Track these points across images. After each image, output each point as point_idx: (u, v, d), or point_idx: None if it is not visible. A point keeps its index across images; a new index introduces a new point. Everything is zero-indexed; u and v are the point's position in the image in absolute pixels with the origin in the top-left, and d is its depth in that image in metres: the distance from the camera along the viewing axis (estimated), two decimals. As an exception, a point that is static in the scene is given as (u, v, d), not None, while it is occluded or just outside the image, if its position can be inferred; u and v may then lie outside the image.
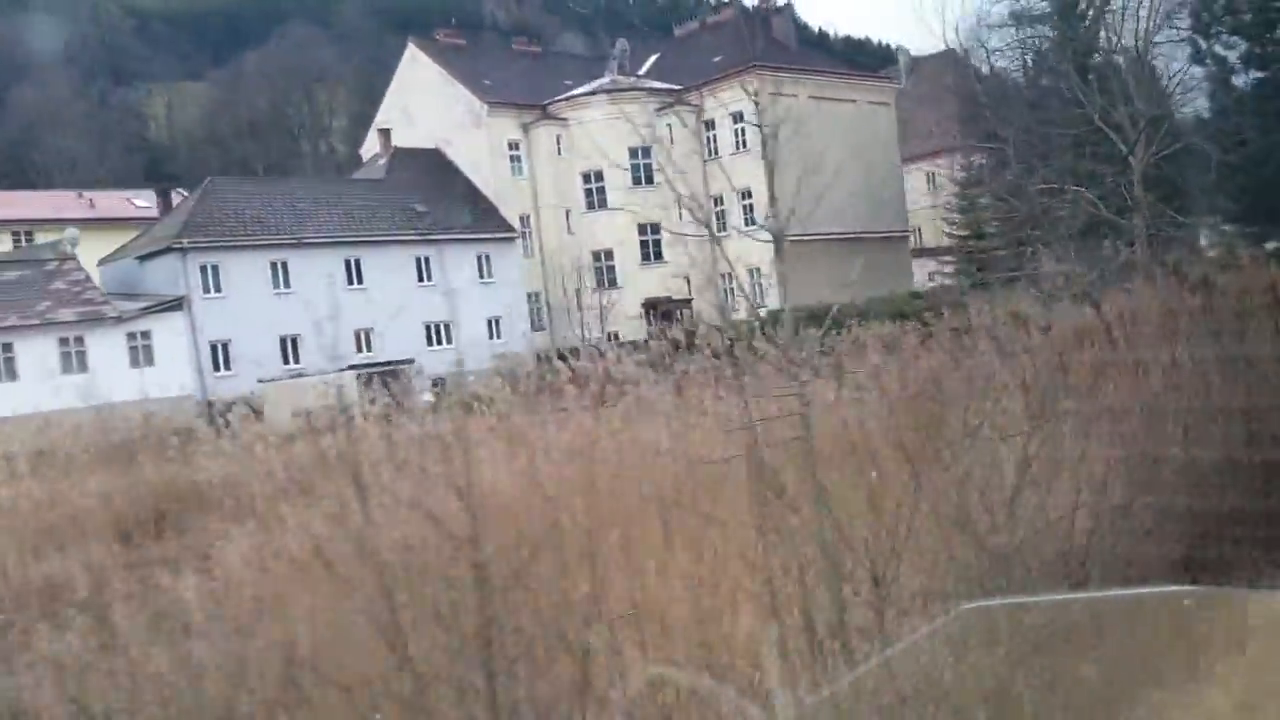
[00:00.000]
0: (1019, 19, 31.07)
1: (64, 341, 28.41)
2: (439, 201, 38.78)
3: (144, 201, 45.67)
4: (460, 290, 36.82)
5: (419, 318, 34.20)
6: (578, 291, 39.48)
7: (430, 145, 42.18)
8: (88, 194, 48.14)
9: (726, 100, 40.00)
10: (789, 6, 46.59)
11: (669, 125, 38.63)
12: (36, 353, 27.55)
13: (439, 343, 35.14)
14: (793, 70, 41.85)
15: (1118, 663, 3.04)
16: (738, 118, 38.25)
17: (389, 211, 36.99)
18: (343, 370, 21.16)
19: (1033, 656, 3.08)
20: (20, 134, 70.54)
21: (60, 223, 39.84)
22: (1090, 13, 30.08)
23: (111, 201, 47.38)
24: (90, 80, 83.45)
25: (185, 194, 39.19)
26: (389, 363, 26.39)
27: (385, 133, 42.99)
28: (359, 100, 74.11)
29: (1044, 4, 30.12)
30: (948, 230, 41.57)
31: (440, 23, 54.96)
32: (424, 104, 43.37)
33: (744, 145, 38.64)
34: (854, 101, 46.24)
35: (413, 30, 52.62)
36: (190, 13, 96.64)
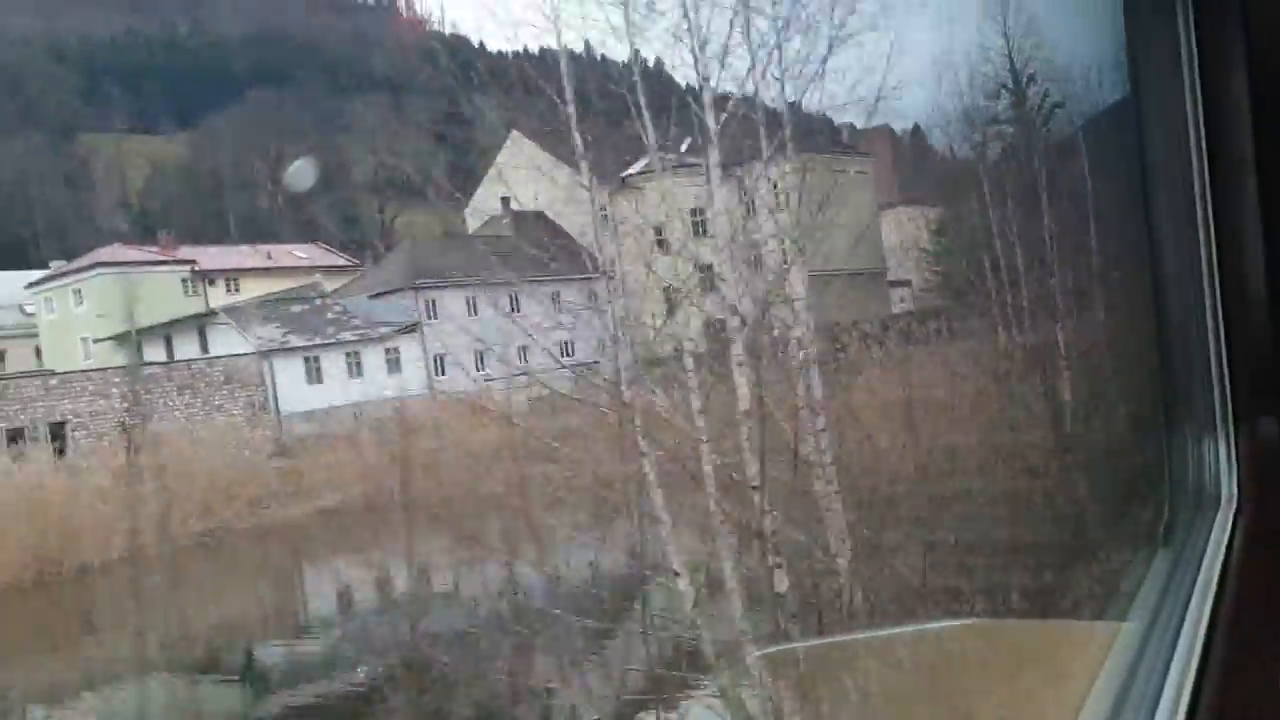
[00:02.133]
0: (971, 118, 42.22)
1: (348, 355, 39.66)
2: (555, 252, 50.24)
3: (303, 253, 56.46)
4: (577, 314, 47.96)
5: (555, 337, 45.50)
6: (652, 315, 51.04)
7: (533, 209, 53.61)
8: (262, 247, 58.33)
9: (761, 175, 51.70)
10: (797, 105, 58.37)
11: (719, 192, 50.42)
12: (332, 363, 38.80)
13: (567, 355, 46.44)
14: (817, 154, 53.92)
15: (894, 699, 2.94)
16: (774, 185, 50.19)
17: (528, 260, 48.39)
18: (562, 369, 32.98)
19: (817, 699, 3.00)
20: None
21: (255, 271, 50.50)
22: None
23: (279, 253, 58.00)
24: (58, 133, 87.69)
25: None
26: (579, 364, 38.18)
27: (505, 200, 54.41)
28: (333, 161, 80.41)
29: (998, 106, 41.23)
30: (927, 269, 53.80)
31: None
32: (529, 178, 54.53)
33: (780, 205, 50.32)
34: (846, 172, 58.47)
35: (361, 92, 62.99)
36: (145, 69, 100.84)
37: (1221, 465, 2.51)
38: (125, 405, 34.89)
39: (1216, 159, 2.41)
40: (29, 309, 52.72)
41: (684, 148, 57.68)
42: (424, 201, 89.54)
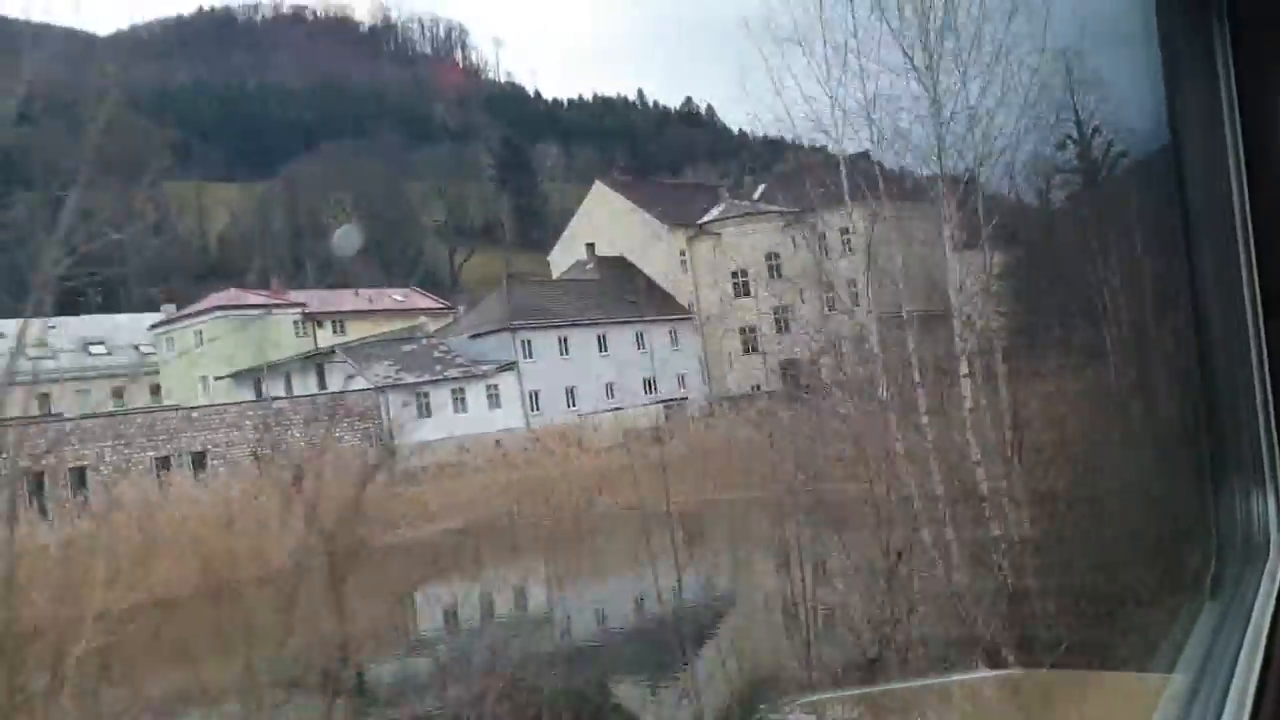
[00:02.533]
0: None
1: (454, 391, 40.37)
2: (638, 294, 50.62)
3: (400, 296, 57.67)
4: (659, 354, 48.33)
5: (638, 374, 45.72)
6: (730, 355, 50.91)
7: (615, 254, 53.82)
8: (364, 291, 59.62)
9: (832, 221, 51.33)
10: (866, 154, 57.79)
11: (791, 237, 50.28)
12: (439, 398, 39.54)
13: (650, 391, 46.60)
14: (883, 201, 53.38)
15: None
16: (844, 231, 49.89)
17: (613, 301, 48.86)
18: (648, 405, 32.98)
19: None
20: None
21: (358, 313, 51.72)
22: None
23: (378, 296, 60.04)
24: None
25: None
26: (670, 399, 38.27)
27: (591, 245, 54.90)
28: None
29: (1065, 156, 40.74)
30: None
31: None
32: (611, 224, 55.04)
33: (850, 250, 49.79)
34: (916, 219, 57.80)
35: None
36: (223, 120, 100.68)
37: (1270, 517, 2.33)
38: (257, 436, 35.81)
39: (1258, 206, 2.25)
40: (144, 349, 54.46)
41: (757, 195, 58.15)
42: (490, 245, 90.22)
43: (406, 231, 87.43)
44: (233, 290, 51.77)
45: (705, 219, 56.21)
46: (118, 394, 49.00)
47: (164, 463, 33.57)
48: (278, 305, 50.95)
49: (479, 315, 47.67)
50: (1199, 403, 2.75)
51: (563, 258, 59.06)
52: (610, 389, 44.96)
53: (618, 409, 38.19)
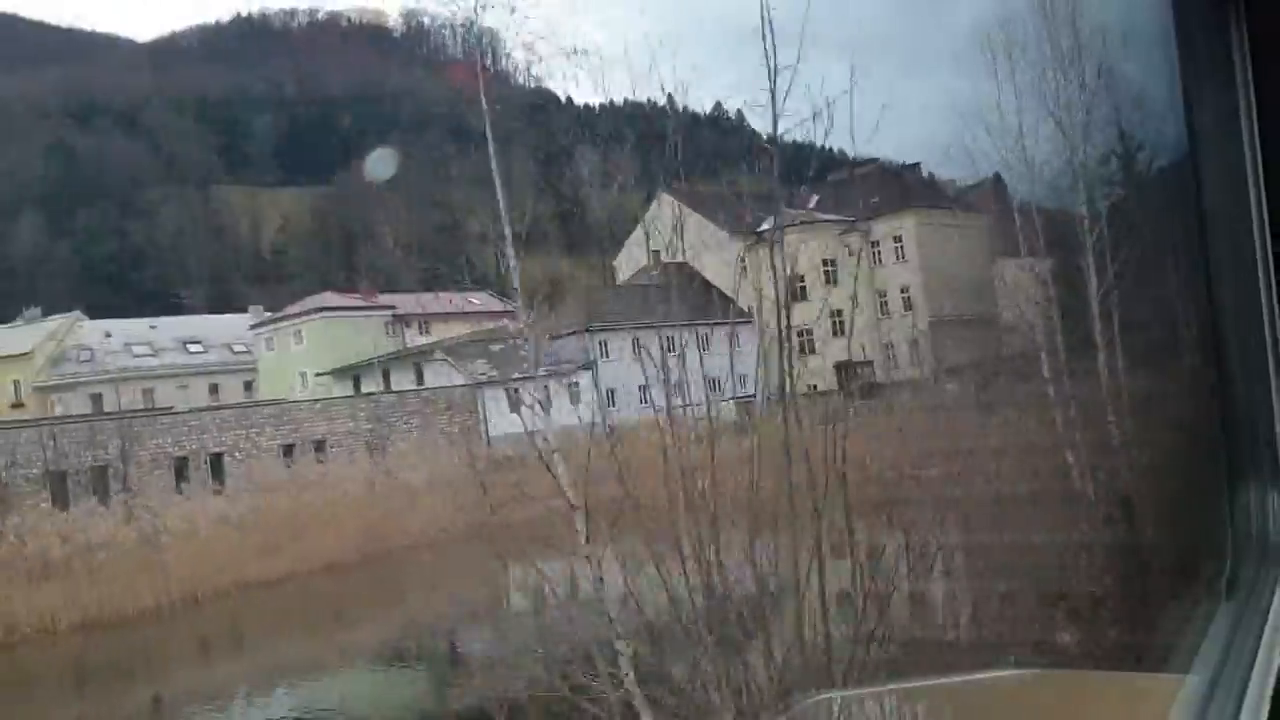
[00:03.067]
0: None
1: (540, 388, 40.44)
2: (700, 298, 50.25)
3: (477, 300, 57.94)
4: (721, 354, 47.79)
5: (703, 373, 45.24)
6: (787, 357, 50.31)
7: (679, 260, 53.38)
8: (443, 295, 59.78)
9: (886, 230, 50.48)
10: (917, 165, 56.49)
11: (846, 245, 49.41)
12: (528, 394, 39.71)
13: (715, 389, 46.08)
14: (933, 210, 52.23)
15: None
16: (896, 239, 48.97)
17: (678, 305, 48.52)
18: (725, 400, 32.67)
19: None
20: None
21: (440, 315, 51.95)
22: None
23: (457, 300, 59.08)
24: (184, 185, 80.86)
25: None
26: (747, 396, 38.13)
27: (655, 253, 54.44)
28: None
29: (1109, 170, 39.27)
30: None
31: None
32: (674, 232, 54.50)
33: (902, 257, 48.93)
34: (960, 226, 56.01)
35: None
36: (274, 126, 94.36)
37: None
38: (370, 426, 36.57)
39: (1276, 208, 2.06)
40: (236, 348, 55.25)
41: (811, 204, 57.02)
42: (533, 250, 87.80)
43: (454, 236, 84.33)
44: (329, 293, 52.83)
45: (763, 227, 55.42)
46: (213, 389, 49.92)
47: (288, 449, 34.56)
48: (370, 308, 51.84)
49: (559, 318, 47.94)
50: (1215, 403, 2.55)
51: (627, 263, 58.66)
52: (679, 387, 44.53)
53: (690, 404, 37.82)
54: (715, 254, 55.94)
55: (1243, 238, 2.14)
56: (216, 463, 33.33)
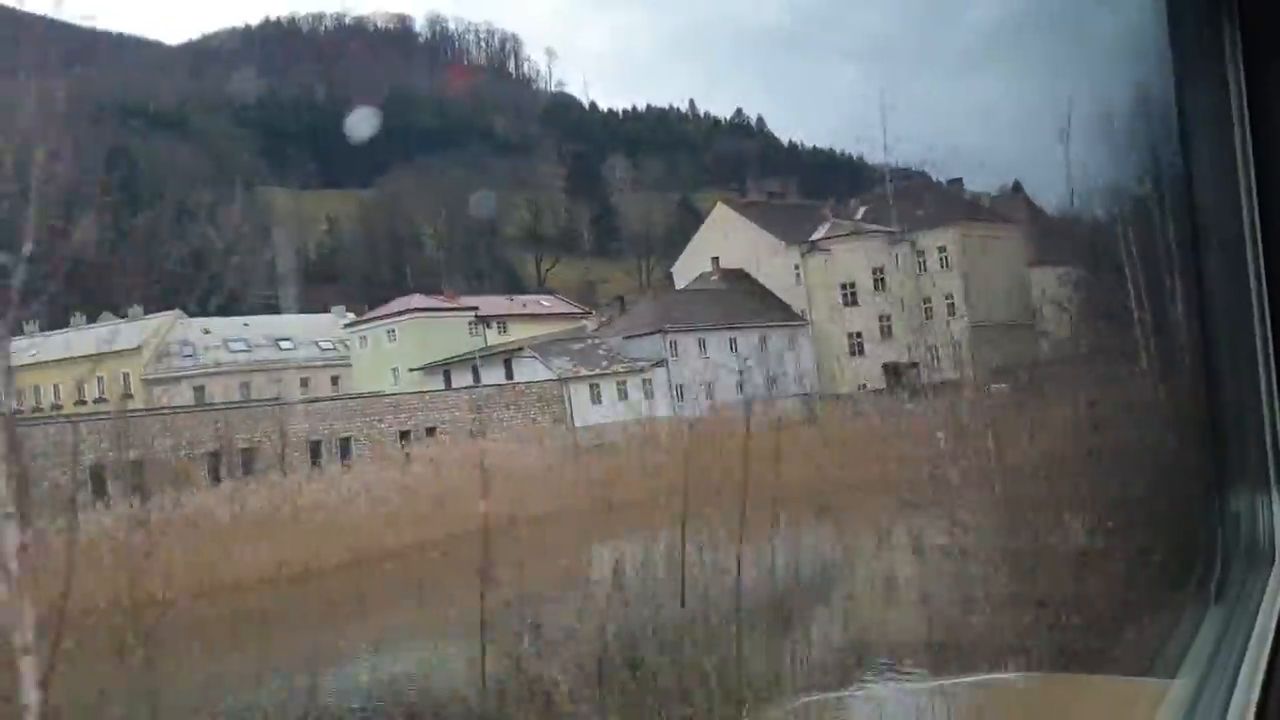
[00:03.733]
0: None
1: (618, 383, 40.81)
2: (759, 302, 49.58)
3: (547, 302, 58.19)
4: (778, 355, 47.05)
5: (761, 372, 44.62)
6: (839, 358, 49.01)
7: (735, 266, 52.42)
8: (518, 297, 60.49)
9: (931, 241, 48.90)
10: (959, 181, 54.38)
11: (895, 255, 48.06)
12: (607, 389, 40.05)
13: (773, 387, 45.36)
14: (974, 222, 50.43)
15: None
16: (941, 249, 47.45)
17: (739, 308, 48.08)
18: (788, 397, 32.12)
19: None
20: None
21: (516, 316, 52.18)
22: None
23: (530, 302, 59.94)
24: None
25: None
26: (800, 394, 37.66)
27: (715, 260, 53.80)
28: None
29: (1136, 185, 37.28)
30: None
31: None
32: (731, 240, 53.65)
33: (946, 265, 47.34)
34: (999, 238, 53.67)
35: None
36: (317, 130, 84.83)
37: (1276, 523, 1.87)
38: (473, 416, 37.07)
39: (1267, 210, 1.81)
40: (323, 344, 55.38)
41: (859, 215, 55.44)
42: (567, 254, 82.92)
43: (492, 240, 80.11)
44: (418, 295, 53.27)
45: (815, 236, 54.53)
46: (304, 383, 49.65)
47: (404, 435, 35.38)
48: (456, 309, 52.21)
49: (630, 320, 48.13)
50: (1205, 409, 2.28)
51: (686, 269, 57.97)
52: (739, 385, 44.34)
53: (752, 400, 37.28)
54: (772, 261, 54.97)
55: (1234, 238, 1.90)
56: (345, 446, 34.37)
